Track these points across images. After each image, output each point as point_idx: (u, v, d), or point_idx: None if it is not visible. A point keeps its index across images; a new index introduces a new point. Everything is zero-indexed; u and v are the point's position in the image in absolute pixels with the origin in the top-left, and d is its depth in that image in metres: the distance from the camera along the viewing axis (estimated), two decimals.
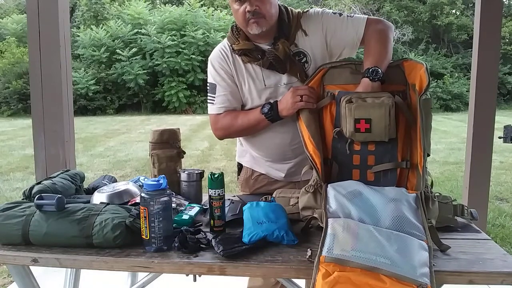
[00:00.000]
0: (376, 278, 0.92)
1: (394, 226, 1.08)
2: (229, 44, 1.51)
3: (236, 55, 1.50)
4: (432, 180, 1.25)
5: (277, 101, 1.43)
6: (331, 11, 1.48)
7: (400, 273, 0.93)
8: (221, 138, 1.59)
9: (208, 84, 1.56)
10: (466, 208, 1.28)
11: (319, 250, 1.00)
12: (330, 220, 1.10)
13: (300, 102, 1.34)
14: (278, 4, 1.46)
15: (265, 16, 1.39)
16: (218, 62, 1.52)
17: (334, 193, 1.18)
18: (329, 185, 1.22)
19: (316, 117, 1.34)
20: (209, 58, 1.57)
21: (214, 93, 1.53)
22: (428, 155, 1.20)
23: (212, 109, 1.55)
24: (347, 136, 1.26)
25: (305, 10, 1.51)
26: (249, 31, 1.43)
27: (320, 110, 1.36)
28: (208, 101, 1.57)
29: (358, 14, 1.49)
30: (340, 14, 1.47)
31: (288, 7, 1.51)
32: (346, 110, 1.24)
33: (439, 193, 1.25)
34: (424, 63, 1.26)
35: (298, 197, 1.31)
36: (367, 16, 1.47)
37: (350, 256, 0.96)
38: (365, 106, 1.22)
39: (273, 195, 1.38)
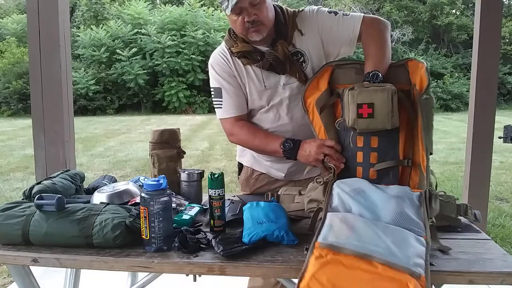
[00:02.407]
0: (369, 263, 0.93)
1: (393, 222, 1.08)
2: (228, 47, 1.50)
3: (236, 58, 1.48)
4: (436, 182, 1.25)
5: (300, 141, 1.38)
6: (326, 9, 1.46)
7: (393, 261, 0.93)
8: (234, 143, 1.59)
9: (212, 89, 1.53)
10: (470, 208, 1.26)
11: (314, 237, 1.01)
12: (329, 214, 1.11)
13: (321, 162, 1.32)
14: (273, 5, 1.44)
15: (264, 22, 1.37)
16: (220, 66, 1.50)
17: (338, 191, 1.18)
18: (334, 183, 1.22)
19: (332, 121, 1.34)
20: (209, 63, 1.54)
21: (221, 97, 1.50)
22: (431, 153, 1.20)
23: (221, 113, 1.52)
24: (350, 125, 1.22)
25: (300, 9, 1.48)
26: (249, 39, 1.41)
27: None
28: (215, 105, 1.53)
29: (355, 12, 1.47)
30: (336, 13, 1.44)
31: (283, 7, 1.49)
32: (349, 97, 1.21)
33: (444, 192, 1.24)
34: (425, 63, 1.26)
35: (303, 194, 1.30)
36: (363, 14, 1.45)
37: (344, 243, 0.97)
38: (367, 91, 1.20)
39: (279, 193, 1.38)
